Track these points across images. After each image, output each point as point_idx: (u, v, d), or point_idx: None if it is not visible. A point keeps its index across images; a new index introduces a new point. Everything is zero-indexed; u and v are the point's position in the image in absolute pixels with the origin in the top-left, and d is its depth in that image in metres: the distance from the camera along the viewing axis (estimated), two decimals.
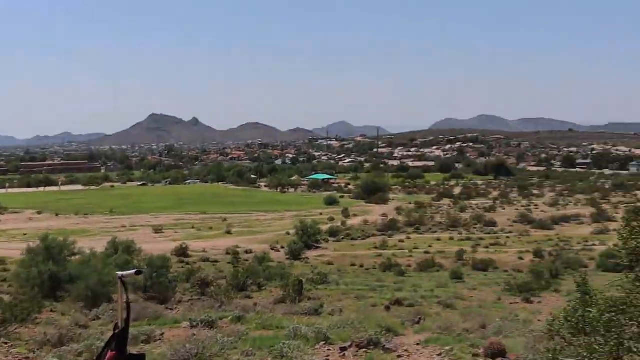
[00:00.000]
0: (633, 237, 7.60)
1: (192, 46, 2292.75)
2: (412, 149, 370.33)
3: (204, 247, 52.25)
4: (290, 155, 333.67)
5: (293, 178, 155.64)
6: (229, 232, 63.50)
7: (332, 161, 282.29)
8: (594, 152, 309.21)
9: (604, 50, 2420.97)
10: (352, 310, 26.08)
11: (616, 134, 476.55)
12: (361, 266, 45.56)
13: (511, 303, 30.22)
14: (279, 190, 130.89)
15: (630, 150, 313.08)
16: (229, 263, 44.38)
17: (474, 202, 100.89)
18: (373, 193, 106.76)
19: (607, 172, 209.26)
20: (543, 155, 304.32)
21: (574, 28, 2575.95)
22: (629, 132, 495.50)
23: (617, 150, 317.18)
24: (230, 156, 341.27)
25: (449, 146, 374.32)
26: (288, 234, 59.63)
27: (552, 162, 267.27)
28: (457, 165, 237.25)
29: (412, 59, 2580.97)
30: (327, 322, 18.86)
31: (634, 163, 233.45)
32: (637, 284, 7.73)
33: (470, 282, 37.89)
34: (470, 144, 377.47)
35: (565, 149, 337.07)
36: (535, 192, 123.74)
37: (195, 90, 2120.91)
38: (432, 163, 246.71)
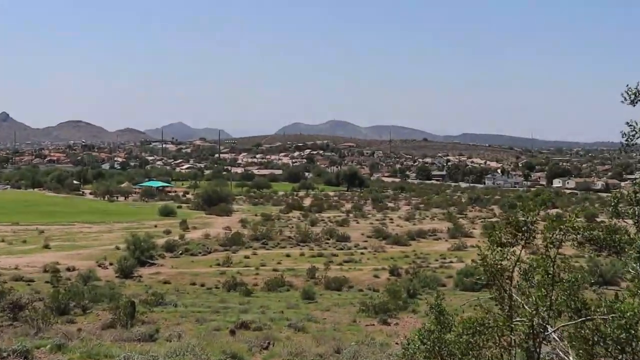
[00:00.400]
0: (492, 253, 7.96)
1: (1, 32, 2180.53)
2: (258, 156, 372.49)
3: (16, 263, 49.66)
4: (120, 159, 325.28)
5: (123, 185, 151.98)
6: (47, 246, 60.79)
7: (167, 167, 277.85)
8: (449, 163, 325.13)
9: (457, 60, 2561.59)
10: (192, 335, 25.67)
11: (471, 145, 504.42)
12: (202, 285, 45.04)
13: (367, 325, 30.94)
14: (106, 199, 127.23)
15: (485, 163, 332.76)
16: (47, 282, 42.42)
17: (325, 214, 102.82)
18: (215, 203, 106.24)
19: (462, 184, 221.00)
20: (397, 166, 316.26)
21: (426, 35, 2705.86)
22: (484, 144, 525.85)
23: (472, 162, 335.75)
24: (48, 158, 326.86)
25: (297, 153, 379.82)
26: (118, 248, 58.00)
27: (407, 173, 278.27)
28: (306, 174, 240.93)
29: (257, 57, 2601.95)
30: (163, 349, 18.51)
31: (489, 176, 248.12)
32: (496, 303, 8.10)
33: (323, 302, 38.42)
34: (321, 152, 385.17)
35: (420, 160, 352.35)
36: (390, 205, 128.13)
37: (4, 81, 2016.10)
38: (280, 171, 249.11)
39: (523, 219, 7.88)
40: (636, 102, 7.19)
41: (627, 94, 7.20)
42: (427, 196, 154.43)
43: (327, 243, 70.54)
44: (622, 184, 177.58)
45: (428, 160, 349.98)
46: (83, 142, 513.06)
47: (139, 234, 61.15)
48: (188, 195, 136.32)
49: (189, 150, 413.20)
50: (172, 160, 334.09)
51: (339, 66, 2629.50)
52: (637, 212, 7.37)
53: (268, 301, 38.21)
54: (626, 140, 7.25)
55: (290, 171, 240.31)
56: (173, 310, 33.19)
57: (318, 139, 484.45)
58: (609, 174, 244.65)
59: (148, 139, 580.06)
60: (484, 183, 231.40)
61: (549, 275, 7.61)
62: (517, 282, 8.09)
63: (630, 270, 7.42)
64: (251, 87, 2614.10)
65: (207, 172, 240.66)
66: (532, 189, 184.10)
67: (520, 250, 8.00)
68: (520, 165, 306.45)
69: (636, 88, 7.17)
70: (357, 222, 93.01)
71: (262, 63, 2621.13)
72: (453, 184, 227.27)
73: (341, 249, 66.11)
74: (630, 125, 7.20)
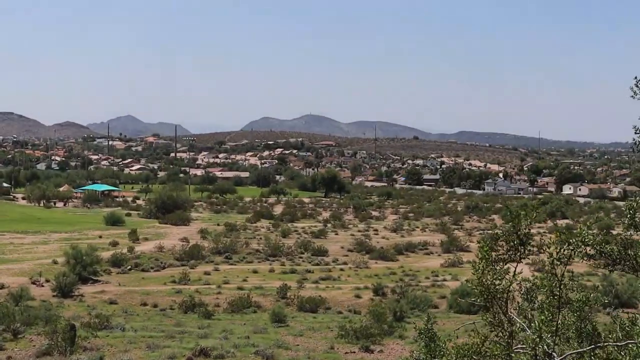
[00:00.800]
0: (488, 270, 8.00)
1: None
2: (221, 155, 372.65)
3: None
4: (58, 158, 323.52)
5: (62, 188, 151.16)
6: None
7: (115, 167, 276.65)
8: (443, 165, 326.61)
9: (453, 48, 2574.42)
10: None
11: (469, 145, 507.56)
12: (155, 306, 44.89)
13: (347, 352, 31.09)
14: (42, 205, 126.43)
15: (485, 165, 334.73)
16: None
17: (299, 224, 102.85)
18: (170, 211, 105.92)
19: (458, 190, 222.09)
20: (384, 168, 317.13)
21: (417, 21, 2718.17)
22: (484, 144, 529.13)
23: (470, 164, 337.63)
24: None
25: (267, 153, 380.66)
26: (55, 263, 57.65)
27: (395, 176, 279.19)
28: (277, 177, 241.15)
29: (220, 41, 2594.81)
30: None
31: (489, 181, 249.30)
32: (494, 328, 8.16)
33: (296, 326, 38.51)
34: (294, 151, 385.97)
35: (410, 161, 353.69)
36: (374, 213, 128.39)
37: None
38: (246, 174, 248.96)
39: (514, 230, 7.96)
40: None
41: (638, 86, 7.29)
42: (417, 204, 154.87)
43: (301, 257, 70.50)
44: None
45: (419, 162, 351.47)
46: (14, 137, 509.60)
47: (80, 245, 60.57)
48: (138, 201, 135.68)
49: (139, 148, 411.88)
50: (120, 159, 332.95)
51: (316, 52, 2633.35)
52: None
53: (232, 325, 38.22)
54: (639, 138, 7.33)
55: (259, 173, 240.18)
56: (120, 335, 33.12)
57: (291, 137, 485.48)
58: (628, 179, 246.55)
59: (91, 134, 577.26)
60: (484, 189, 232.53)
61: (555, 296, 7.69)
62: (518, 303, 8.18)
63: None
64: (213, 76, 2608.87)
65: (161, 174, 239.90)
66: (539, 196, 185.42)
67: (516, 268, 8.08)
68: (525, 168, 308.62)
69: None
70: (336, 234, 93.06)
71: (226, 47, 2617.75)
72: (448, 189, 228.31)
73: (317, 265, 66.06)
74: None
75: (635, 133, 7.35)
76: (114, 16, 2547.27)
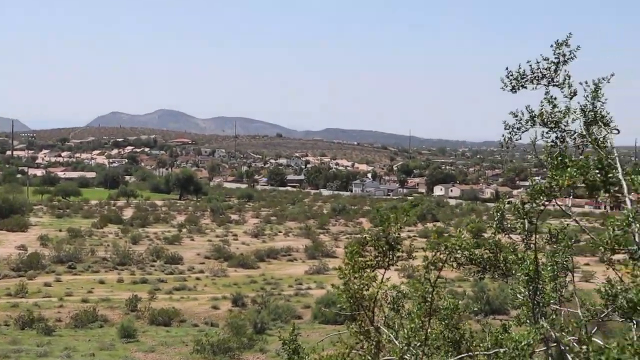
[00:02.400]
0: (356, 277, 8.11)
1: None
2: (64, 154, 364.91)
3: None
4: None
5: None
6: None
7: None
8: (308, 165, 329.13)
9: (315, 37, 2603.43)
10: None
11: (336, 143, 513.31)
12: None
13: None
14: None
15: (353, 165, 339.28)
16: None
17: (151, 229, 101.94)
18: (5, 215, 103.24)
19: (324, 192, 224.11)
20: (244, 168, 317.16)
21: (272, 8, 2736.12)
22: (351, 142, 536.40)
23: (337, 164, 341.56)
24: None
25: (116, 151, 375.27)
26: None
27: (256, 177, 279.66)
28: (127, 177, 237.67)
29: (62, 26, 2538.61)
30: None
31: (357, 181, 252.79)
32: (360, 337, 8.29)
33: (147, 341, 38.29)
34: (146, 150, 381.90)
35: (273, 161, 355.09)
36: (234, 217, 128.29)
37: None
38: (93, 174, 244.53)
39: (384, 235, 8.08)
40: (518, 89, 7.49)
41: (508, 78, 7.48)
42: (280, 206, 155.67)
43: (153, 266, 70.15)
44: (515, 192, 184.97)
45: (282, 161, 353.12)
46: None
47: None
48: None
49: None
50: None
51: (169, 40, 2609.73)
52: (525, 227, 7.61)
53: (75, 341, 37.65)
54: (509, 133, 7.54)
55: (107, 174, 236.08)
56: None
57: (143, 133, 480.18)
58: (500, 180, 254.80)
59: None
60: (351, 190, 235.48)
61: (427, 303, 7.82)
62: (384, 313, 8.30)
63: (519, 295, 7.65)
64: (55, 64, 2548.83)
65: None
66: (409, 197, 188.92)
67: (384, 274, 8.20)
68: (395, 168, 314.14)
69: (517, 72, 7.45)
70: (192, 239, 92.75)
71: (70, 32, 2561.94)
72: (313, 191, 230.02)
73: (171, 273, 65.91)
74: (516, 116, 7.47)
75: (506, 129, 7.55)
76: None
